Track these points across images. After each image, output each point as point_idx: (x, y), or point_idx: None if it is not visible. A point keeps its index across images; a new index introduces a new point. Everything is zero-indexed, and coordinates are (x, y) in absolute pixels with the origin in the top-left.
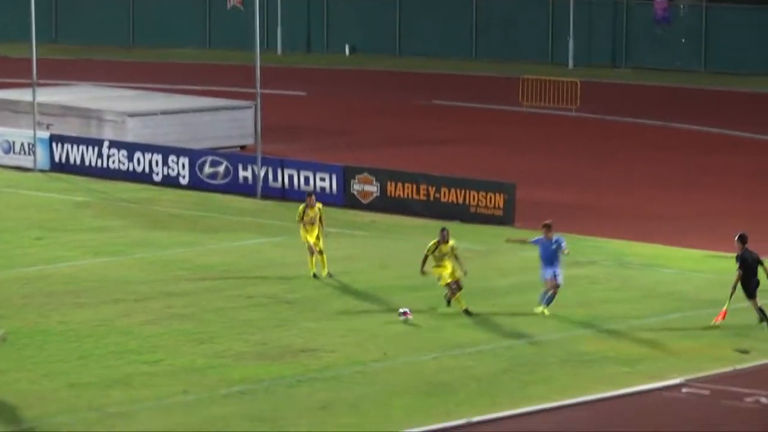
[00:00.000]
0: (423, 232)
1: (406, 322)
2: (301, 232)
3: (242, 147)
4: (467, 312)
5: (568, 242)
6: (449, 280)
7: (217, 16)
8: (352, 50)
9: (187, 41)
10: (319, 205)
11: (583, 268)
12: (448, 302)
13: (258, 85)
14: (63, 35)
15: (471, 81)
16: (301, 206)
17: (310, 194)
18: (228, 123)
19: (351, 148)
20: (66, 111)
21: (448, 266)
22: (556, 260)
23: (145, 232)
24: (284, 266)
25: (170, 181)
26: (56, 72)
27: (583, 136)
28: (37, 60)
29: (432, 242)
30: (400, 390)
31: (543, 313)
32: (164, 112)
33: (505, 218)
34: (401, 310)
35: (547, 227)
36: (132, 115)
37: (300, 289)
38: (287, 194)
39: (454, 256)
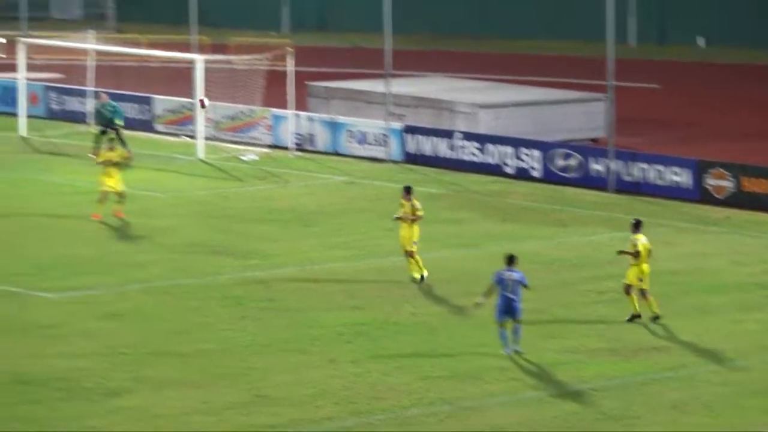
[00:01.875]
0: None
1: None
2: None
3: (594, 140)
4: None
5: None
6: None
7: (566, 7)
8: (708, 41)
9: (532, 32)
10: (415, 201)
11: None
12: None
13: (611, 76)
14: (411, 26)
15: None
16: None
17: (406, 188)
18: (580, 115)
19: (705, 141)
20: (418, 102)
21: None
22: None
23: (497, 225)
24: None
25: (522, 174)
26: (407, 62)
27: None
28: (390, 50)
29: None
30: (755, 390)
31: None
32: (516, 104)
33: None
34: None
35: None
36: (483, 106)
37: (651, 285)
38: (640, 188)
39: None
